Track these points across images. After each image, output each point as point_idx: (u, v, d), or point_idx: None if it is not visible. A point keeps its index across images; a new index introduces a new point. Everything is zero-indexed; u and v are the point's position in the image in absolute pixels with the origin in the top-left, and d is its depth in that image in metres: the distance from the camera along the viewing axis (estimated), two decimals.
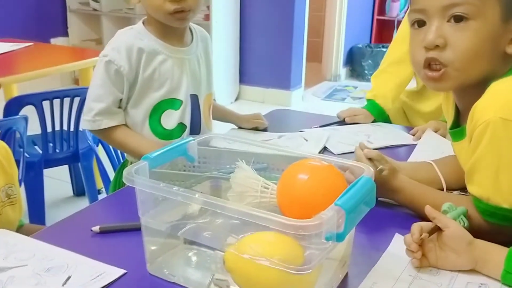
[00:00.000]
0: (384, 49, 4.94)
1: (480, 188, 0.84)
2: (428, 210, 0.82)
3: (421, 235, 0.79)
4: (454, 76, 0.86)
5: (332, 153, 1.32)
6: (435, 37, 0.84)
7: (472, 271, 0.78)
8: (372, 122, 1.59)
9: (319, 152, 1.31)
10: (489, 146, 0.81)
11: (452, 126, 0.98)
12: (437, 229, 0.80)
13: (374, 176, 0.75)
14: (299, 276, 0.64)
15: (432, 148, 1.29)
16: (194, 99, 1.32)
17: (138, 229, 0.80)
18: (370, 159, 0.99)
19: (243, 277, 0.68)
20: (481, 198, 0.84)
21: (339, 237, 0.64)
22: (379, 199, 1.01)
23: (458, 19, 0.83)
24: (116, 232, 0.90)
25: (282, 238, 0.65)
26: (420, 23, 0.88)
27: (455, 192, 1.03)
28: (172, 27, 1.25)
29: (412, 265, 0.80)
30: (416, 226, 0.80)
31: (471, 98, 0.86)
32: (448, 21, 0.84)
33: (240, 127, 1.51)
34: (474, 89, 0.86)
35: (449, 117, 1.00)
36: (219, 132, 1.05)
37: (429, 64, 0.87)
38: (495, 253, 0.77)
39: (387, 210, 0.99)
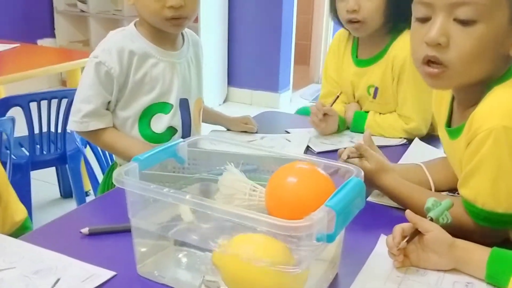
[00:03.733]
0: None
1: (475, 192, 0.84)
2: (409, 215, 0.82)
3: (403, 237, 0.80)
4: (453, 77, 0.85)
5: (314, 150, 1.33)
6: (439, 34, 0.81)
7: (459, 270, 0.80)
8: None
9: (304, 152, 1.32)
10: (490, 153, 0.81)
11: (446, 124, 0.98)
12: (417, 233, 0.81)
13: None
14: (289, 277, 0.64)
15: (421, 153, 1.29)
16: (184, 103, 1.32)
17: (128, 231, 0.79)
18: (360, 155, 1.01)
19: (232, 278, 0.69)
20: (475, 202, 0.84)
21: (330, 238, 0.64)
22: (367, 199, 1.02)
23: (466, 21, 0.80)
24: (105, 234, 0.89)
25: (271, 241, 0.66)
26: (424, 19, 0.84)
27: (443, 193, 1.04)
28: (165, 31, 1.25)
29: (394, 266, 0.81)
30: (398, 229, 0.81)
31: (469, 96, 0.87)
32: (455, 19, 0.81)
33: (229, 129, 1.52)
34: (473, 88, 0.87)
35: (443, 115, 0.99)
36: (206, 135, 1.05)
37: (428, 61, 0.85)
38: (476, 253, 0.79)
39: (375, 210, 1.00)
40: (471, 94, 0.87)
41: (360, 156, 1.02)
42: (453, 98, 0.97)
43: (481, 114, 0.82)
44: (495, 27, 0.80)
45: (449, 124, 0.97)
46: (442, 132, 1.01)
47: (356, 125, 1.50)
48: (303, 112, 1.80)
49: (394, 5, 1.38)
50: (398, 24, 1.41)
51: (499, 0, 0.79)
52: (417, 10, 0.86)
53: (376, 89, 1.50)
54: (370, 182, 0.98)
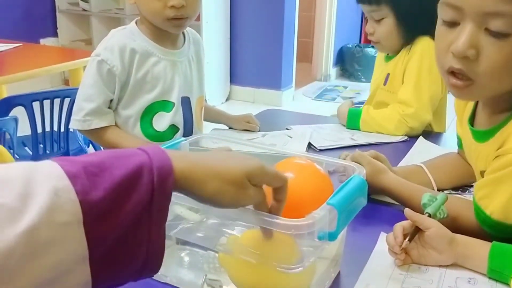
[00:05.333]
0: (374, 49, 4.98)
1: (488, 201, 0.82)
2: (408, 213, 0.82)
3: (404, 236, 0.80)
4: (479, 91, 0.79)
5: (315, 147, 1.33)
6: (467, 46, 0.73)
7: (461, 266, 0.80)
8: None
9: (306, 149, 1.33)
10: None
11: (469, 121, 0.93)
12: (418, 230, 0.81)
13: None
14: (294, 274, 0.64)
15: (424, 154, 1.28)
16: (186, 101, 1.32)
17: None
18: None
19: (237, 275, 0.69)
20: (485, 209, 0.83)
21: (332, 236, 0.64)
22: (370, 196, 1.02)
23: (499, 33, 0.71)
24: None
25: (275, 235, 0.66)
26: (452, 23, 0.76)
27: (445, 192, 1.04)
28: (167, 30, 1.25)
29: (395, 264, 0.81)
30: (399, 228, 0.81)
31: (498, 102, 0.84)
32: (486, 29, 0.72)
33: (231, 128, 1.52)
34: (503, 96, 0.82)
35: (466, 111, 0.95)
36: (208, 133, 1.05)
37: (453, 71, 0.78)
38: (477, 248, 0.79)
39: (374, 208, 1.00)
40: (501, 101, 0.83)
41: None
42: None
43: None
44: None
45: (471, 121, 0.93)
46: (463, 128, 0.97)
47: (351, 122, 1.51)
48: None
49: (407, 27, 1.43)
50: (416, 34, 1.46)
51: None
52: (444, 12, 0.76)
53: (388, 75, 1.53)
54: (370, 186, 0.97)
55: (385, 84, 1.54)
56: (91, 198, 0.44)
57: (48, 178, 0.44)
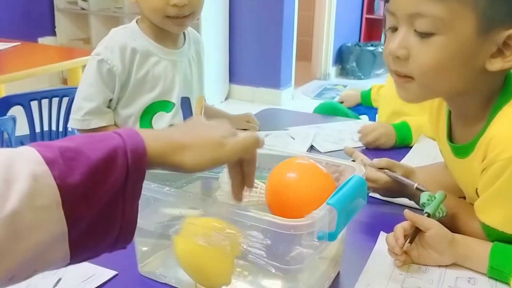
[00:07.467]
0: (373, 48, 4.98)
1: (495, 220, 0.80)
2: (408, 215, 0.81)
3: (404, 237, 0.80)
4: (419, 89, 0.80)
5: (319, 151, 1.32)
6: (398, 47, 0.77)
7: (460, 265, 0.80)
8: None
9: (307, 150, 1.32)
10: (510, 182, 0.76)
11: (448, 138, 0.92)
12: (418, 231, 0.81)
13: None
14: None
15: (424, 153, 1.26)
16: (186, 101, 1.32)
17: None
18: (381, 169, 0.98)
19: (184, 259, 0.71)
20: (495, 227, 0.80)
21: (331, 236, 0.64)
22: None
23: (424, 33, 0.75)
24: None
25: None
26: (394, 28, 0.80)
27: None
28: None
29: (395, 264, 0.81)
30: (399, 229, 0.81)
31: (466, 111, 0.83)
32: (415, 31, 0.76)
33: None
34: (467, 102, 0.82)
35: (442, 128, 0.94)
36: None
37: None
38: (477, 248, 0.79)
39: (375, 207, 1.00)
40: (467, 109, 0.83)
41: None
42: (450, 112, 0.91)
43: (497, 142, 0.77)
44: (458, 39, 0.74)
45: (449, 137, 0.91)
46: (443, 145, 0.95)
47: (401, 138, 1.37)
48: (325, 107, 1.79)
49: None
50: None
51: (459, 12, 0.73)
52: (387, 19, 0.82)
53: None
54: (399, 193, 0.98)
55: None
56: (69, 182, 0.47)
57: (27, 163, 0.46)
